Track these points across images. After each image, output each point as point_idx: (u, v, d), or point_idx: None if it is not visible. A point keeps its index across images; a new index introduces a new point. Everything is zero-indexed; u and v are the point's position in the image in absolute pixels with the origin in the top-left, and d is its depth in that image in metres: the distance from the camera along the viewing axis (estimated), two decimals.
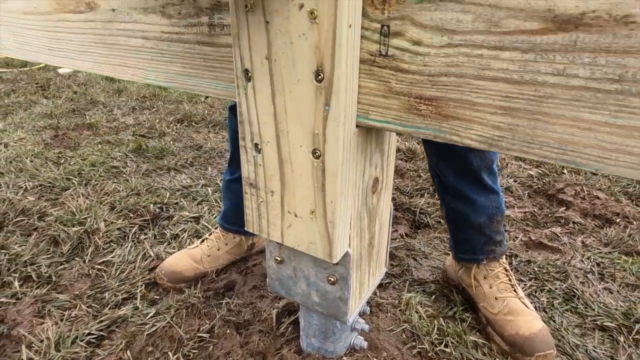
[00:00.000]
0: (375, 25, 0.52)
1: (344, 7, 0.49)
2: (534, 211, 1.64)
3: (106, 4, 0.79)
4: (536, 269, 1.27)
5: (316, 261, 0.74)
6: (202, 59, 0.71)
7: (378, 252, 0.86)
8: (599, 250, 1.39)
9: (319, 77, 0.54)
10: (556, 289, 1.20)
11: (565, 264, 1.30)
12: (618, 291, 1.20)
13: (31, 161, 1.97)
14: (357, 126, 0.60)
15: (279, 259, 0.79)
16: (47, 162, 1.98)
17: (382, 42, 0.53)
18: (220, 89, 0.71)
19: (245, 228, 0.74)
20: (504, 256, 1.12)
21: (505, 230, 1.43)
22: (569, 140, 0.46)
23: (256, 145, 0.65)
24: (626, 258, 1.33)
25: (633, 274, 1.26)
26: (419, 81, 0.52)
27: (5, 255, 1.29)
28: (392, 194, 1.75)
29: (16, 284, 1.19)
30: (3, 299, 1.13)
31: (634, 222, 1.54)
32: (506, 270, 1.09)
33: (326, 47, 0.52)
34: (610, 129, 0.43)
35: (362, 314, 1.01)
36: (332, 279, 0.74)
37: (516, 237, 1.47)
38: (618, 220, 1.55)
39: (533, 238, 1.46)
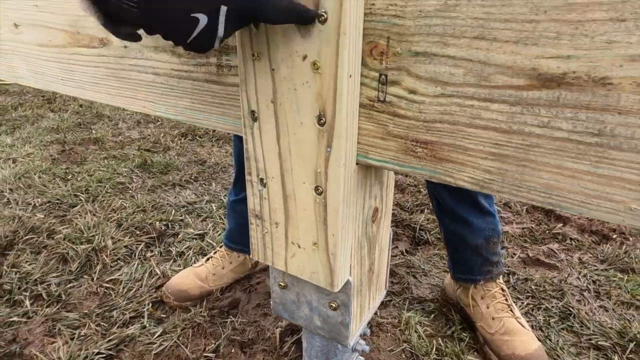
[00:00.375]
0: (373, 74, 0.56)
1: (344, 59, 0.53)
2: (532, 227, 1.67)
3: (119, 41, 0.83)
4: (533, 286, 1.30)
5: (318, 288, 0.77)
6: (211, 96, 0.75)
7: (378, 276, 0.89)
8: (596, 267, 1.42)
9: (321, 121, 0.58)
10: (552, 307, 1.23)
11: (562, 282, 1.33)
12: (613, 309, 1.22)
13: (39, 177, 2.01)
14: (357, 164, 0.63)
15: (282, 284, 0.83)
16: (54, 178, 2.02)
17: (380, 90, 0.56)
18: (228, 124, 0.75)
19: (251, 256, 0.77)
20: (501, 276, 1.15)
21: (503, 247, 1.46)
22: (555, 185, 0.49)
23: (262, 180, 0.68)
24: (621, 275, 1.36)
25: (628, 291, 1.29)
26: (415, 126, 0.56)
27: (16, 273, 1.33)
28: (393, 209, 1.78)
29: (27, 302, 1.22)
30: (15, 318, 1.16)
31: (630, 239, 1.57)
32: (503, 290, 1.12)
33: (328, 95, 0.56)
34: (592, 177, 0.47)
35: (363, 336, 1.04)
36: (333, 305, 0.77)
37: (514, 254, 1.50)
38: (614, 236, 1.58)
39: (531, 255, 1.49)
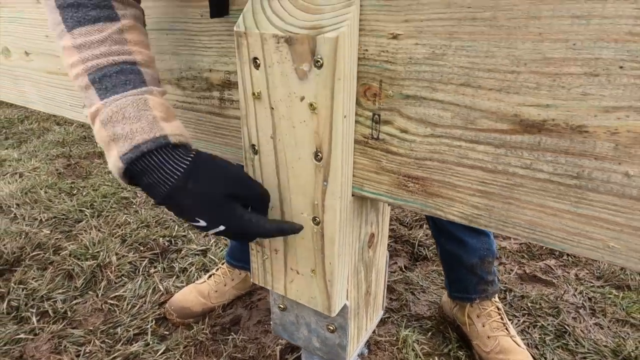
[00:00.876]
0: (367, 114, 0.59)
1: (339, 101, 0.56)
2: (529, 243, 1.69)
3: None
4: (529, 304, 1.32)
5: (317, 311, 0.80)
6: (213, 127, 0.78)
7: (375, 297, 0.92)
8: (592, 284, 1.44)
9: (318, 156, 0.61)
10: (548, 324, 1.25)
11: (558, 299, 1.35)
12: (608, 327, 1.24)
13: (45, 192, 2.05)
14: (352, 195, 0.66)
15: (282, 306, 0.85)
16: (60, 193, 2.06)
17: (373, 128, 0.60)
18: (229, 154, 0.78)
19: (252, 280, 0.80)
20: (497, 294, 1.17)
21: (500, 263, 1.48)
22: (538, 222, 0.52)
23: None
24: (617, 292, 1.38)
25: (623, 309, 1.31)
26: (407, 162, 0.59)
27: (23, 290, 1.36)
28: (392, 225, 1.81)
29: (34, 319, 1.25)
30: (22, 335, 1.19)
31: None
32: (498, 309, 1.14)
33: (324, 133, 0.59)
34: (572, 216, 0.50)
35: (360, 355, 1.06)
36: (331, 327, 0.80)
37: (511, 270, 1.52)
38: None
39: (528, 271, 1.51)
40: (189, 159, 0.56)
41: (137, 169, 0.54)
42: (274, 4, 0.57)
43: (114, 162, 0.54)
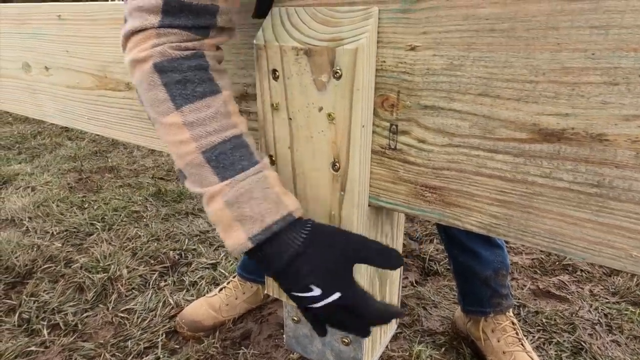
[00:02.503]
0: (385, 124, 0.60)
1: (357, 110, 0.57)
2: (541, 258, 1.67)
3: None
4: (544, 320, 1.30)
5: None
6: None
7: None
8: (607, 300, 1.41)
9: (335, 166, 0.61)
10: (564, 341, 1.22)
11: (573, 315, 1.33)
12: (626, 344, 1.22)
13: (57, 206, 2.07)
14: (369, 205, 0.66)
15: (296, 318, 0.85)
16: (72, 207, 2.08)
17: (391, 138, 0.60)
18: None
19: (265, 291, 0.80)
20: (511, 309, 1.15)
21: (513, 278, 1.46)
22: (558, 232, 0.52)
23: None
24: (633, 309, 1.36)
25: None
26: (424, 172, 0.59)
27: (34, 302, 1.36)
28: (402, 240, 1.80)
29: (45, 332, 1.25)
30: (33, 348, 1.19)
31: None
32: (513, 323, 1.13)
33: (342, 143, 0.59)
34: (593, 225, 0.49)
35: None
36: (346, 340, 0.79)
37: (524, 286, 1.50)
38: None
39: (541, 286, 1.49)
40: (308, 227, 0.56)
41: (263, 246, 0.54)
42: (293, 18, 0.58)
43: (239, 242, 0.54)
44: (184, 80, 0.54)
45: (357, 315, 0.56)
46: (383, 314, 0.57)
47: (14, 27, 1.10)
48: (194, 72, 0.55)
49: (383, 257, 0.58)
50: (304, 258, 0.54)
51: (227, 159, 0.55)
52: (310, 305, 0.55)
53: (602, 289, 1.48)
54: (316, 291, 0.54)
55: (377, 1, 0.54)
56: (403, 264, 0.59)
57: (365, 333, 0.58)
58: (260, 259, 0.55)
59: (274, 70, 0.60)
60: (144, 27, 0.53)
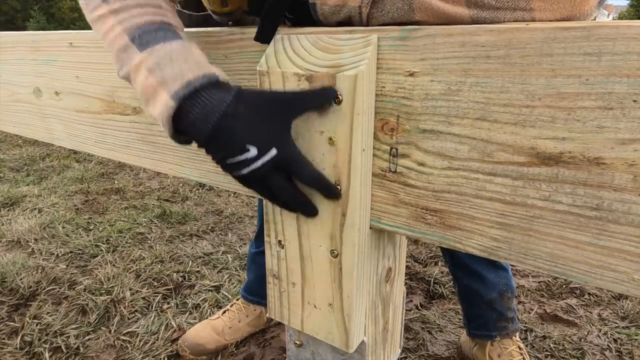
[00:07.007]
0: (385, 147, 0.61)
1: (357, 135, 0.58)
2: (548, 281, 1.65)
3: None
4: (552, 345, 1.28)
5: (333, 347, 0.79)
6: None
7: (392, 334, 0.90)
8: (616, 325, 1.39)
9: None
10: None
11: (582, 340, 1.31)
12: None
13: (63, 227, 2.08)
14: (370, 228, 0.67)
15: (298, 342, 0.84)
16: (77, 228, 2.09)
17: (391, 161, 0.61)
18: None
19: (268, 314, 0.80)
20: (518, 333, 1.13)
21: (519, 302, 1.44)
22: (559, 255, 0.52)
23: (280, 241, 0.72)
24: None
25: None
26: (425, 195, 0.59)
27: (37, 325, 1.36)
28: (406, 262, 1.78)
29: (46, 355, 1.24)
30: None
31: None
32: (520, 348, 1.11)
33: (343, 166, 0.60)
34: (594, 248, 0.49)
35: None
36: None
37: (531, 309, 1.48)
38: None
39: (548, 310, 1.46)
40: (236, 88, 0.53)
41: (187, 106, 0.51)
42: (295, 45, 0.60)
43: (163, 104, 0.51)
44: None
45: (294, 174, 0.56)
46: (318, 178, 0.58)
47: (29, 54, 1.13)
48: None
49: (317, 98, 0.56)
50: (236, 116, 0.51)
51: (151, 35, 0.54)
52: (246, 169, 0.53)
53: (611, 313, 1.45)
54: (252, 151, 0.52)
55: (376, 30, 0.56)
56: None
57: (303, 205, 0.60)
58: (189, 126, 0.52)
59: None
60: None
